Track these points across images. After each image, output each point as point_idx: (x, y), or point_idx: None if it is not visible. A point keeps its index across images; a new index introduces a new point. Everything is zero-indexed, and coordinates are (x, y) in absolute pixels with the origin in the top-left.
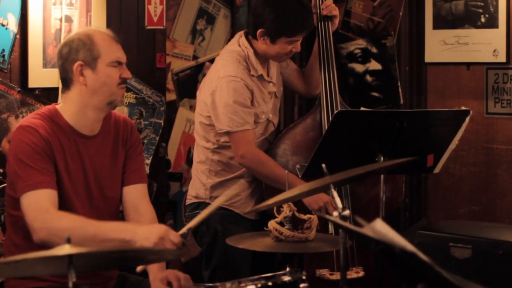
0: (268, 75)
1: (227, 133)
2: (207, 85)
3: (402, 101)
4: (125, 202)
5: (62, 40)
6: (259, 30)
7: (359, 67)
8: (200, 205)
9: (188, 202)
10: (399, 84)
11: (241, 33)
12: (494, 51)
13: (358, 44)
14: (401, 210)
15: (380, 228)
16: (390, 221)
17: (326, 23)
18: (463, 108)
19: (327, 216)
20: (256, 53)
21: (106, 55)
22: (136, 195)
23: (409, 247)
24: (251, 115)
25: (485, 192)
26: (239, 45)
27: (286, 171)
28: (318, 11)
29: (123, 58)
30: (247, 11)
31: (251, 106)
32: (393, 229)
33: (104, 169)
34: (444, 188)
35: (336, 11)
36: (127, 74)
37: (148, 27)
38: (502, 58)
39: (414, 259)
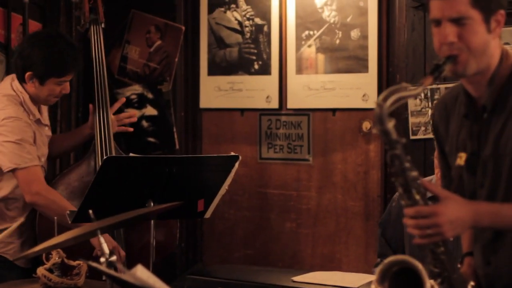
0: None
1: (14, 171)
2: None
3: (177, 147)
4: None
5: None
6: (27, 73)
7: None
8: None
9: None
10: (174, 129)
11: (13, 76)
12: (267, 97)
13: (134, 90)
14: (178, 254)
15: (141, 274)
16: (166, 266)
17: (101, 66)
18: (232, 153)
19: (90, 263)
20: (31, 97)
21: None
22: None
23: None
24: (36, 153)
25: (259, 236)
26: (14, 90)
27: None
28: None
29: None
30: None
31: (34, 145)
32: (169, 274)
33: None
34: (219, 232)
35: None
36: None
37: None
38: (275, 104)
39: None
